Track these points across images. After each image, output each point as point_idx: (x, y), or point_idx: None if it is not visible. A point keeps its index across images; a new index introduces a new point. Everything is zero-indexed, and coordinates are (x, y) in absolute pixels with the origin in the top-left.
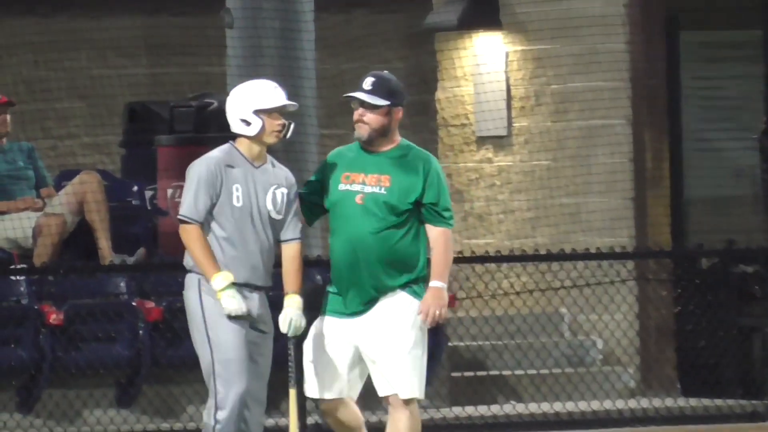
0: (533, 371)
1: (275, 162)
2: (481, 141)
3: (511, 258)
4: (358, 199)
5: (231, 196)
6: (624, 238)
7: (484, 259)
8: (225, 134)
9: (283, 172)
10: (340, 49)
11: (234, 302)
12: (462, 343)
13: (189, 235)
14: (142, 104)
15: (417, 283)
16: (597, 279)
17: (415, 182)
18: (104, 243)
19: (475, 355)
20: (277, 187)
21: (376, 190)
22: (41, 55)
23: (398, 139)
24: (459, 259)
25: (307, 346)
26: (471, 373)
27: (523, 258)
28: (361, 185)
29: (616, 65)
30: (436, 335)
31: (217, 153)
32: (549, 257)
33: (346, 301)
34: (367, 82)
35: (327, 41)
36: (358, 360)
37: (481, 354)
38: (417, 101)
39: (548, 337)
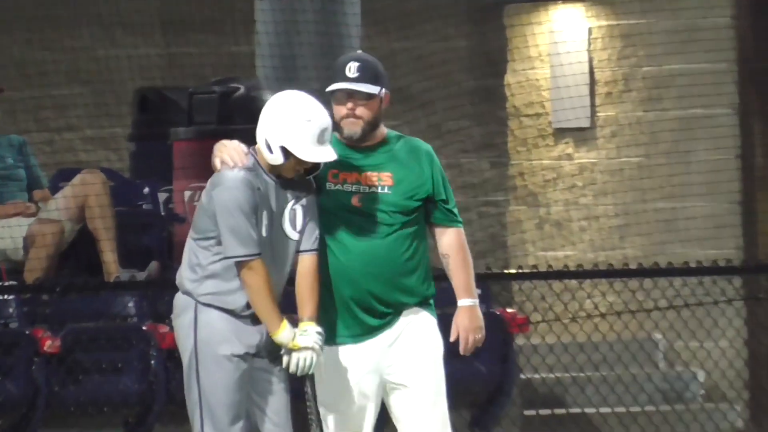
0: (622, 409)
1: None
2: (560, 134)
3: (595, 273)
4: (354, 200)
5: (260, 224)
6: (730, 250)
7: (562, 274)
8: (252, 126)
9: (305, 180)
10: (390, 26)
11: (314, 339)
12: (537, 376)
13: (257, 274)
14: (155, 90)
15: (432, 297)
16: (698, 299)
17: (422, 176)
18: (109, 255)
19: (552, 390)
20: (296, 201)
21: (377, 189)
22: (36, 32)
23: (384, 128)
24: (533, 275)
25: (320, 386)
26: (547, 411)
27: (609, 273)
28: (355, 185)
29: (719, 44)
30: (505, 365)
31: (243, 173)
32: (640, 272)
33: (358, 322)
34: (352, 68)
35: (375, 16)
36: (380, 390)
37: (559, 388)
38: (482, 86)
39: (640, 368)
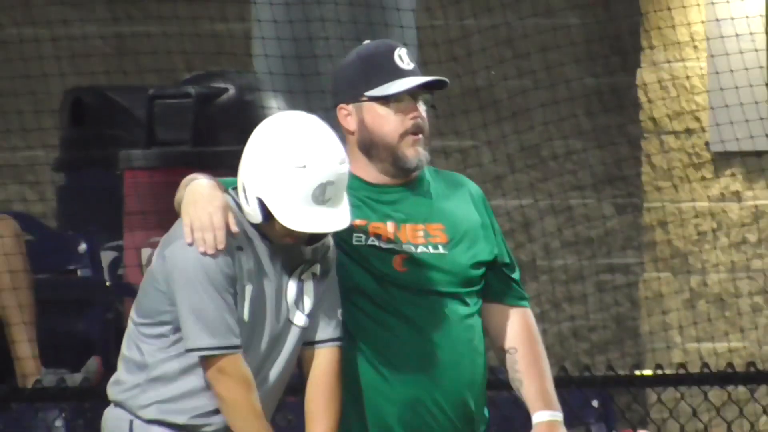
0: None
1: None
2: (723, 161)
3: None
4: (396, 263)
5: (241, 302)
6: None
7: (726, 378)
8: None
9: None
10: None
11: None
12: None
13: (232, 379)
14: (96, 91)
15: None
16: None
17: (483, 230)
18: (25, 348)
19: None
20: (304, 269)
21: (429, 248)
22: None
23: None
24: (681, 379)
25: None
26: None
27: None
28: (393, 242)
29: None
30: None
31: None
32: None
33: None
34: (403, 56)
35: None
36: None
37: None
38: (603, 87)
39: None
